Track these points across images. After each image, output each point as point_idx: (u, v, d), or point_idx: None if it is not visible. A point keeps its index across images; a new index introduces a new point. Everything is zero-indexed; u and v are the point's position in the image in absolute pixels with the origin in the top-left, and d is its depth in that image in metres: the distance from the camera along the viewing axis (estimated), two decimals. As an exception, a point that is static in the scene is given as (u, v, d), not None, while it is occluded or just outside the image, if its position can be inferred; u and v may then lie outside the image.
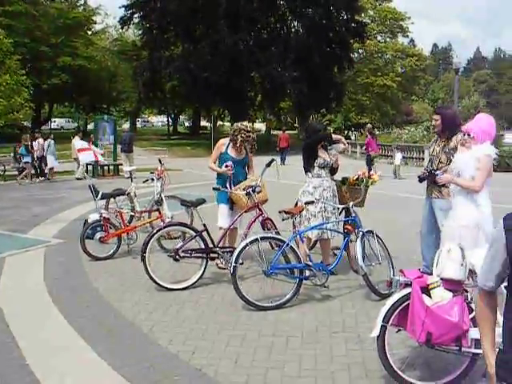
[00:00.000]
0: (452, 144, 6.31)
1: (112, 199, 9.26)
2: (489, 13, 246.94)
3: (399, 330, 4.18)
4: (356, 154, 35.04)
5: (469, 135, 5.54)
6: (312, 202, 6.50)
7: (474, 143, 5.48)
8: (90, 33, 53.15)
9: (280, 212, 6.20)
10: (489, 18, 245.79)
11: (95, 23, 53.99)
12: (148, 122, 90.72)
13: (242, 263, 6.13)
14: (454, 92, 32.09)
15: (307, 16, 41.23)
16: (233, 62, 36.61)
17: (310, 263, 6.04)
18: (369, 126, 26.82)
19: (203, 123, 67.79)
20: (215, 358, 4.61)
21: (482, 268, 2.39)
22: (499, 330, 2.33)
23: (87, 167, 20.86)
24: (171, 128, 64.36)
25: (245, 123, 7.54)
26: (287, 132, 33.76)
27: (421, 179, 6.37)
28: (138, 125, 78.27)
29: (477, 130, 5.47)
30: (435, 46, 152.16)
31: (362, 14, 53.85)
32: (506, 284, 2.29)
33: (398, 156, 23.27)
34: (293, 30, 44.63)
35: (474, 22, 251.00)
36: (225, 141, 7.59)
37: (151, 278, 6.45)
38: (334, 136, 7.19)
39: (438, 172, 6.00)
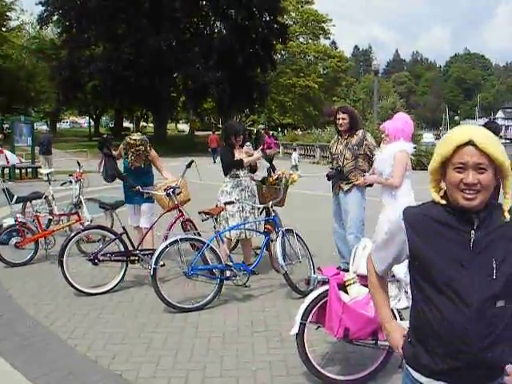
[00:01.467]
0: (355, 140, 6.62)
1: (29, 203, 8.94)
2: (407, 17, 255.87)
3: (318, 327, 4.25)
4: (279, 154, 35.43)
5: (383, 133, 5.81)
6: (232, 203, 6.50)
7: (388, 141, 5.75)
8: (4, 29, 50.78)
9: (200, 213, 6.19)
10: (406, 22, 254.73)
11: (10, 19, 51.71)
12: (76, 122, 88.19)
13: (162, 265, 6.08)
14: (374, 93, 33.01)
15: (230, 17, 41.40)
16: (155, 62, 36.24)
17: (231, 263, 6.06)
18: (260, 126, 27.95)
19: (126, 124, 66.54)
20: (136, 362, 4.54)
21: (376, 250, 2.37)
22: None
23: (3, 170, 20.06)
24: (93, 129, 62.70)
25: (134, 137, 7.33)
26: (217, 133, 33.96)
27: (329, 177, 6.72)
28: (66, 126, 75.94)
29: (390, 128, 5.74)
30: (356, 47, 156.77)
31: (285, 16, 54.59)
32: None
33: (294, 156, 23.79)
34: (216, 30, 44.73)
35: (393, 26, 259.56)
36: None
37: (69, 283, 6.26)
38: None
39: (365, 174, 6.36)
